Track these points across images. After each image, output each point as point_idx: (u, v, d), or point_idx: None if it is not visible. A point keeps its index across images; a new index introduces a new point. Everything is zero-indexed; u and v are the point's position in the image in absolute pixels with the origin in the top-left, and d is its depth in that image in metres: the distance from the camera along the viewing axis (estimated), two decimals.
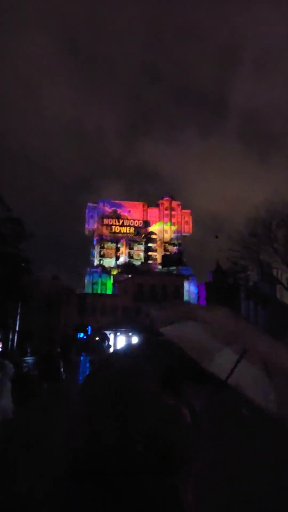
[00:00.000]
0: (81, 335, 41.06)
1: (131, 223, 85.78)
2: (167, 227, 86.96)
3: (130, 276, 62.96)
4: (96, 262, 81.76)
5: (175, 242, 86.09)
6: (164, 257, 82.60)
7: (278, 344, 1.87)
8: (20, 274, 23.24)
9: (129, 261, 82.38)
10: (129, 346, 4.46)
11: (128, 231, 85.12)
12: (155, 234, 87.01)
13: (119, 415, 1.40)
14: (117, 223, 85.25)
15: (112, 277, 72.83)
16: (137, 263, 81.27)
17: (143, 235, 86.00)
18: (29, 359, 15.88)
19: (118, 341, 32.32)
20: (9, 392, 5.72)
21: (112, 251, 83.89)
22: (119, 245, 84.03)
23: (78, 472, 1.36)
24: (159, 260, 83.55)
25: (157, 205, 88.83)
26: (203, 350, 1.64)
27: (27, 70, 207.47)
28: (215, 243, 67.31)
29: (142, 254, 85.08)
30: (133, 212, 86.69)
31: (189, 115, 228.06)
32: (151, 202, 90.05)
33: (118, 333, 34.11)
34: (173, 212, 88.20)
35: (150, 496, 1.33)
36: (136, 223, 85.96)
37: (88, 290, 68.99)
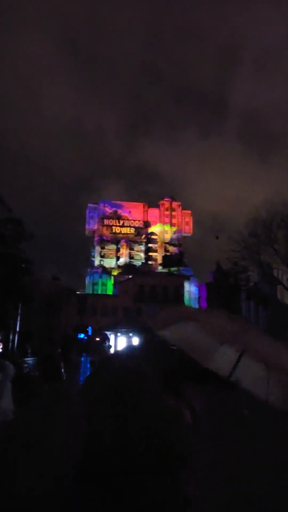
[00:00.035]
0: (82, 335, 41.03)
1: (132, 223, 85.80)
2: (167, 227, 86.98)
3: (130, 276, 62.97)
4: (96, 263, 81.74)
5: (176, 242, 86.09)
6: (164, 257, 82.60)
7: (279, 344, 1.87)
8: (20, 275, 23.24)
9: (129, 261, 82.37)
10: (129, 346, 4.47)
11: (128, 232, 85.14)
12: (156, 234, 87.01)
13: (119, 416, 1.41)
14: (118, 224, 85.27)
15: (112, 277, 72.80)
16: (138, 263, 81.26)
17: (144, 235, 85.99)
18: (29, 360, 15.90)
19: (119, 341, 32.30)
20: (10, 393, 5.72)
21: (113, 252, 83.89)
22: (119, 246, 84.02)
23: (78, 472, 1.36)
24: (159, 260, 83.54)
25: (157, 206, 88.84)
26: (203, 350, 1.64)
27: (27, 70, 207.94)
28: (216, 244, 67.21)
29: (142, 255, 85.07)
30: (134, 212, 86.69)
31: (189, 115, 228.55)
32: (151, 202, 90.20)
33: (119, 334, 34.08)
34: (173, 213, 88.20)
35: (150, 496, 1.34)
36: (137, 224, 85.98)
37: (89, 290, 68.95)
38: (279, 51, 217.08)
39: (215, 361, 1.62)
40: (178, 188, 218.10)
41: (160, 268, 78.47)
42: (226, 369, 1.61)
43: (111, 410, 1.42)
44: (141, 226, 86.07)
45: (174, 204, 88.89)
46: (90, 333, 42.08)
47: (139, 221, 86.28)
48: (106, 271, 76.74)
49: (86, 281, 74.09)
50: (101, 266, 79.74)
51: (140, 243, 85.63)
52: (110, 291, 68.79)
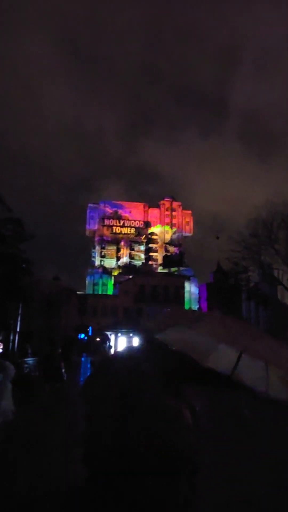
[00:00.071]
0: (82, 336, 41.09)
1: (132, 224, 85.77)
2: (167, 228, 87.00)
3: (131, 277, 62.93)
4: (97, 263, 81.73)
5: (176, 243, 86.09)
6: (165, 257, 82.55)
7: (279, 344, 1.88)
8: (20, 275, 23.21)
9: (130, 262, 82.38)
10: (130, 347, 4.47)
11: (129, 232, 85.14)
12: (156, 235, 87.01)
13: (119, 416, 1.41)
14: (118, 224, 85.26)
15: (113, 277, 72.79)
16: (138, 264, 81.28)
17: (144, 235, 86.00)
18: (29, 360, 15.90)
19: (119, 342, 32.35)
20: (10, 393, 5.71)
21: (113, 252, 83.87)
22: (119, 246, 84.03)
23: (79, 472, 1.36)
24: (160, 260, 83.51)
25: (157, 206, 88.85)
26: (203, 350, 1.64)
27: (27, 70, 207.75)
28: (216, 244, 67.23)
29: (142, 255, 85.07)
30: (134, 212, 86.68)
31: (189, 115, 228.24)
32: (152, 202, 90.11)
33: (119, 334, 34.14)
34: (173, 213, 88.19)
35: (150, 496, 1.34)
36: (137, 224, 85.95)
37: (89, 290, 68.95)
38: (279, 51, 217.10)
39: (215, 360, 1.62)
40: (178, 188, 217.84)
41: (160, 268, 78.44)
42: (227, 368, 1.61)
43: (111, 410, 1.42)
44: (142, 226, 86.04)
45: (175, 204, 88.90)
46: (90, 333, 42.14)
47: (139, 221, 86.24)
48: (107, 271, 76.75)
49: (87, 281, 74.11)
50: (102, 266, 79.74)
51: (140, 243, 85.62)
52: (110, 291, 68.79)
